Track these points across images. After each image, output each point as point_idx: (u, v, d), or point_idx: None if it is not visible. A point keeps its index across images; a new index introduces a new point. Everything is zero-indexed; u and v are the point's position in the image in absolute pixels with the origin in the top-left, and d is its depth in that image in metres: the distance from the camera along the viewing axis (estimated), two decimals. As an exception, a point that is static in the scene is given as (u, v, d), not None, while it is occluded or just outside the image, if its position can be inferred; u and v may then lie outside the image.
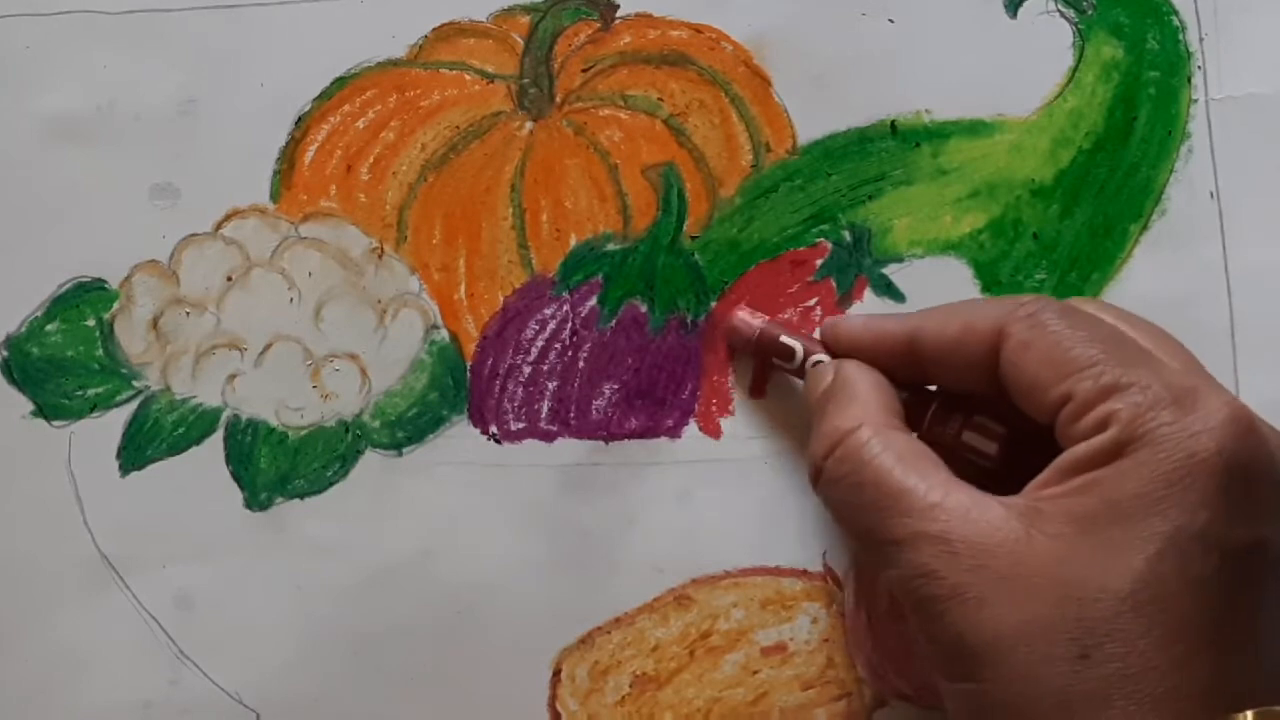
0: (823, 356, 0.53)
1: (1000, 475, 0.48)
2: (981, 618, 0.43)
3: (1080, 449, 0.45)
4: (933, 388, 0.52)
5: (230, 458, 0.56)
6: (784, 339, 0.54)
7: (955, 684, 0.45)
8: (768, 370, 0.55)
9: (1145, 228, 0.56)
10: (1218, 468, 0.43)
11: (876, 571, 0.48)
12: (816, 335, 0.54)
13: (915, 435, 0.49)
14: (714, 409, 0.56)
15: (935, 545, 0.44)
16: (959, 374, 0.49)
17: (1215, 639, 0.43)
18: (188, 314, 0.56)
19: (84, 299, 0.56)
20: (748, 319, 0.55)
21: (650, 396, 0.56)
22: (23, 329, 0.56)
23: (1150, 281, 0.56)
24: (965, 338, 0.49)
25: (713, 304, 0.56)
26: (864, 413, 0.49)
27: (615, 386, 0.56)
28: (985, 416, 0.50)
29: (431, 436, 0.56)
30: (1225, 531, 0.43)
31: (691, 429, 0.56)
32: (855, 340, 0.52)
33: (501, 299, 0.56)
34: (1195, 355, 0.48)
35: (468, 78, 0.57)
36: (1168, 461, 0.43)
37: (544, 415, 0.56)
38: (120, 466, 0.55)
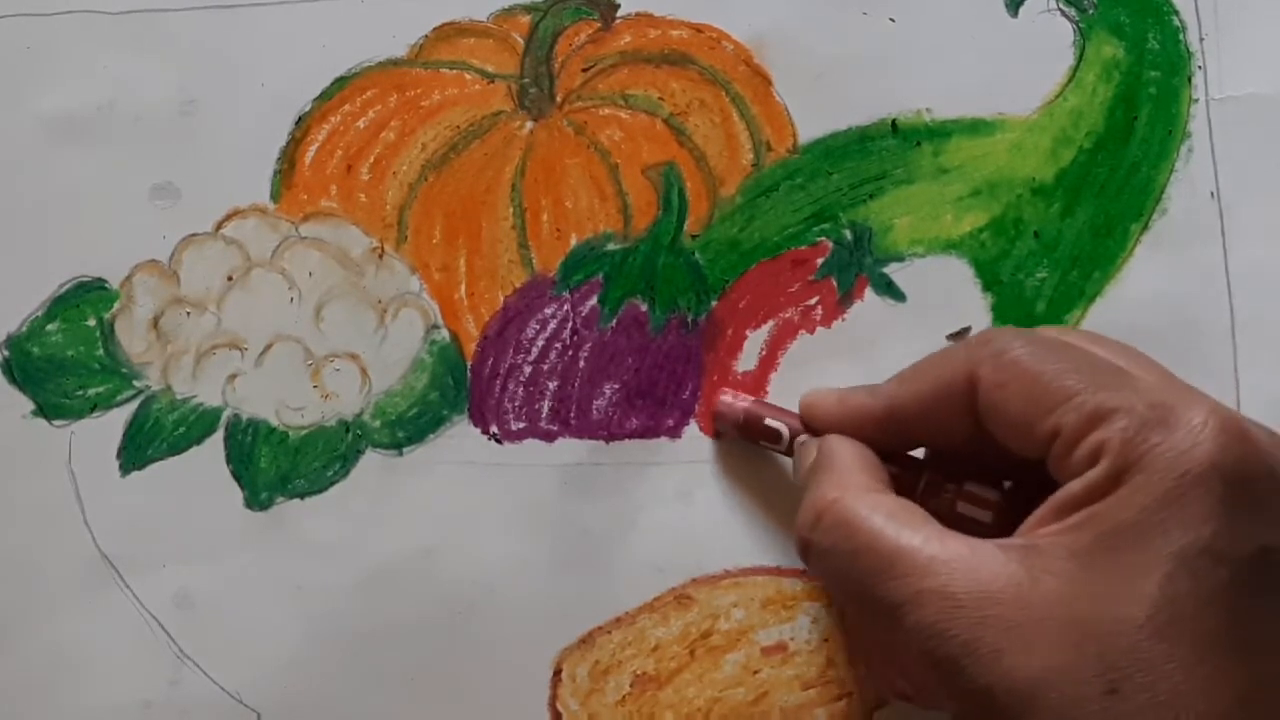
0: (808, 437, 0.52)
1: (1000, 528, 0.48)
2: (1002, 670, 0.42)
3: (1075, 485, 0.44)
4: (920, 454, 0.51)
5: (230, 457, 0.56)
6: (769, 422, 0.53)
7: None
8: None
9: (1146, 227, 0.56)
10: (1214, 480, 0.42)
11: (886, 638, 0.47)
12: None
13: (901, 497, 0.48)
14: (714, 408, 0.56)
15: (940, 601, 0.43)
16: (943, 432, 0.49)
17: (1238, 651, 0.42)
18: (188, 314, 0.56)
19: (84, 299, 0.56)
20: (731, 401, 0.55)
21: (651, 396, 0.56)
22: (23, 328, 0.56)
23: (1151, 281, 0.56)
24: (939, 395, 0.48)
25: (713, 303, 0.56)
26: (846, 480, 0.48)
27: (616, 386, 0.56)
28: (976, 483, 0.49)
29: (432, 436, 0.56)
30: (1231, 542, 0.42)
31: (692, 429, 0.56)
32: (831, 420, 0.52)
33: (502, 299, 0.56)
34: (1165, 367, 0.47)
35: (468, 77, 0.57)
36: (1164, 482, 0.42)
37: (544, 415, 0.56)
38: (120, 466, 0.55)
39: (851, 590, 0.47)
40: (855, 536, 0.46)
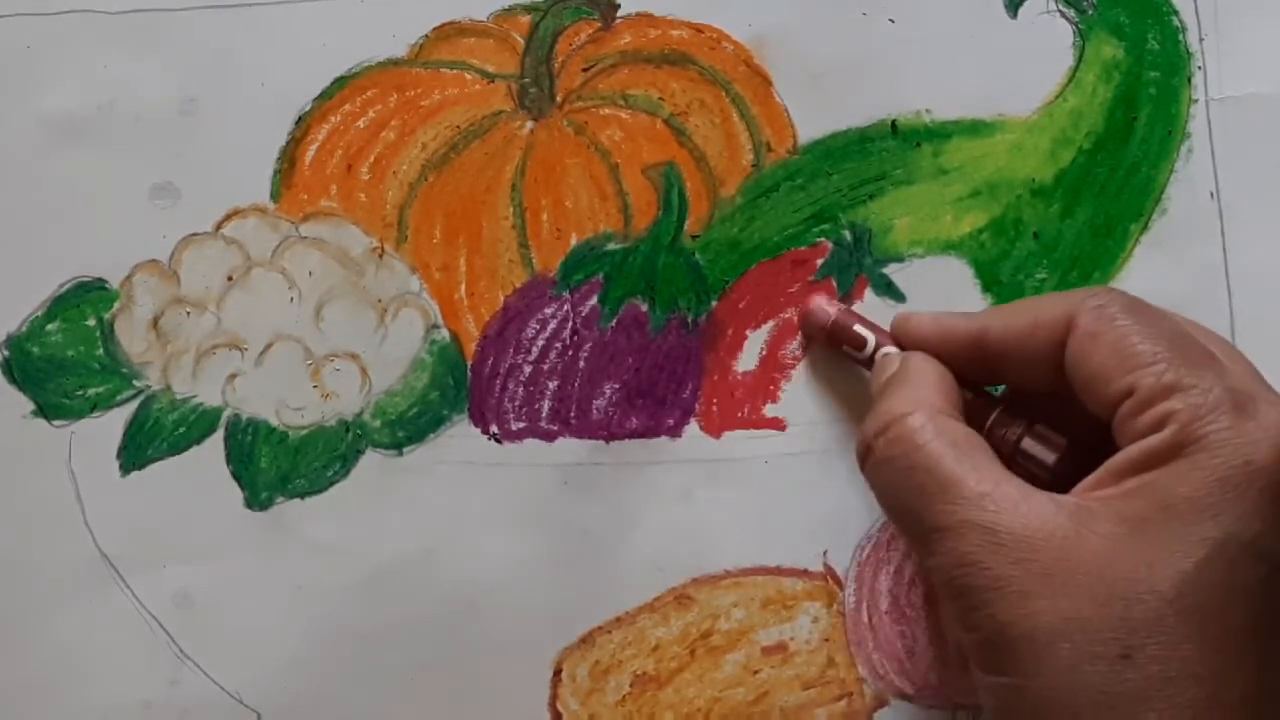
0: (892, 349, 0.53)
1: (1054, 488, 0.47)
2: (1024, 611, 0.43)
3: (1135, 449, 0.44)
4: (997, 392, 0.52)
5: (230, 457, 0.56)
6: (857, 328, 0.54)
7: (992, 677, 0.45)
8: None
9: (1145, 227, 0.56)
10: (1273, 478, 0.43)
11: (918, 558, 0.47)
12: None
13: (970, 429, 0.48)
14: (714, 408, 0.56)
15: (981, 535, 0.44)
16: (1026, 368, 0.49)
17: (1257, 650, 0.42)
18: (188, 314, 0.56)
19: (84, 299, 0.56)
20: (824, 305, 0.55)
21: (651, 396, 0.56)
22: (23, 328, 0.56)
23: (1150, 281, 0.56)
24: (1034, 330, 0.49)
25: (713, 303, 0.56)
26: (922, 398, 0.49)
27: (616, 386, 0.56)
28: (1046, 426, 0.50)
29: (432, 436, 0.56)
30: (1275, 543, 0.43)
31: (692, 429, 0.56)
32: (924, 336, 0.52)
33: (502, 298, 0.56)
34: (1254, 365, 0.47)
35: (468, 77, 0.57)
36: (1223, 467, 0.43)
37: (544, 415, 0.56)
38: (120, 466, 0.55)
39: (899, 505, 0.48)
40: (915, 454, 0.47)
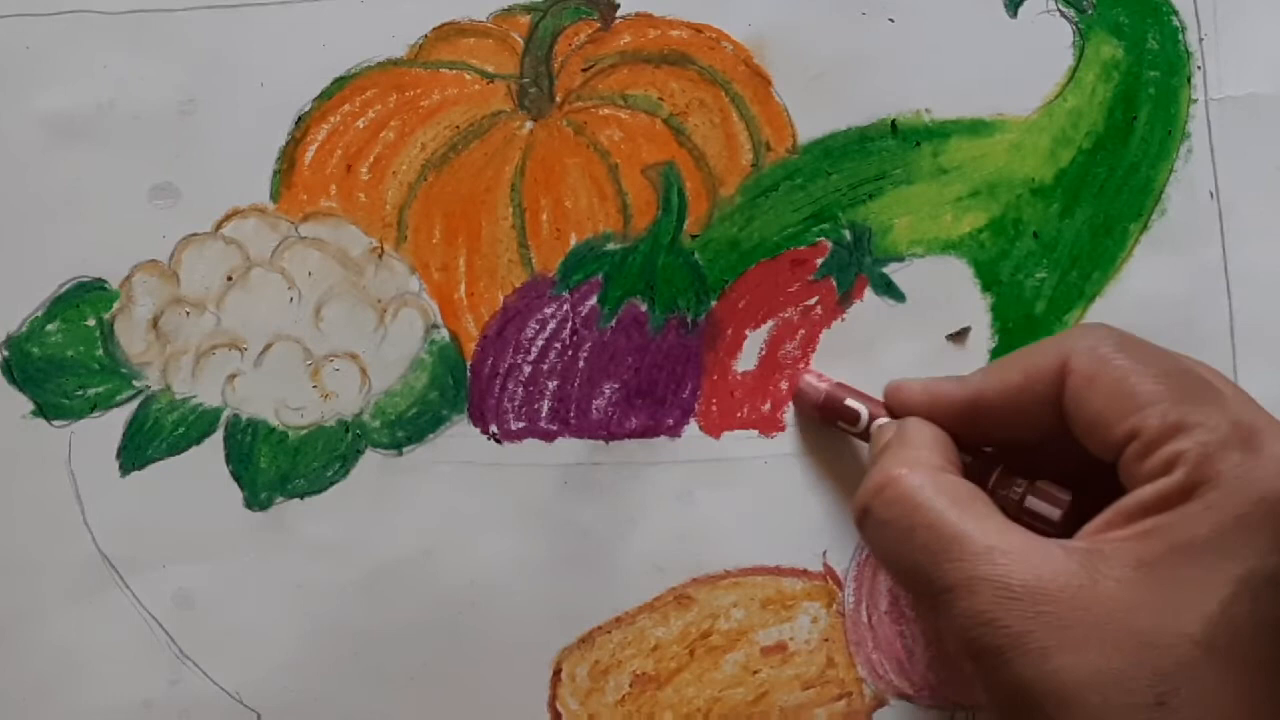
0: (887, 419, 0.52)
1: (1059, 536, 0.47)
2: (1049, 668, 0.42)
3: (1146, 491, 0.44)
4: (992, 451, 0.51)
5: (230, 457, 0.56)
6: (849, 403, 0.53)
7: None
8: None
9: (1145, 227, 0.56)
10: None
11: (930, 620, 0.47)
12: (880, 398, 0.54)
13: (969, 483, 0.48)
14: (714, 408, 0.56)
15: (994, 590, 0.43)
16: (1024, 422, 0.49)
17: None
18: (188, 314, 0.56)
19: (84, 299, 0.56)
20: (814, 382, 0.55)
21: (650, 396, 0.56)
22: (23, 328, 0.56)
23: (1150, 281, 0.56)
24: (1028, 383, 0.48)
25: (713, 303, 0.56)
26: (919, 456, 0.48)
27: (615, 386, 0.56)
28: (1049, 482, 0.49)
29: (431, 436, 0.56)
30: None
31: (692, 428, 0.56)
32: (916, 404, 0.51)
33: (501, 298, 0.56)
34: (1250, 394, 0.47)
35: (468, 77, 0.57)
36: (1238, 505, 0.42)
37: (544, 415, 0.56)
38: (120, 466, 0.55)
39: (904, 567, 0.46)
40: (916, 512, 0.46)
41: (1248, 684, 0.42)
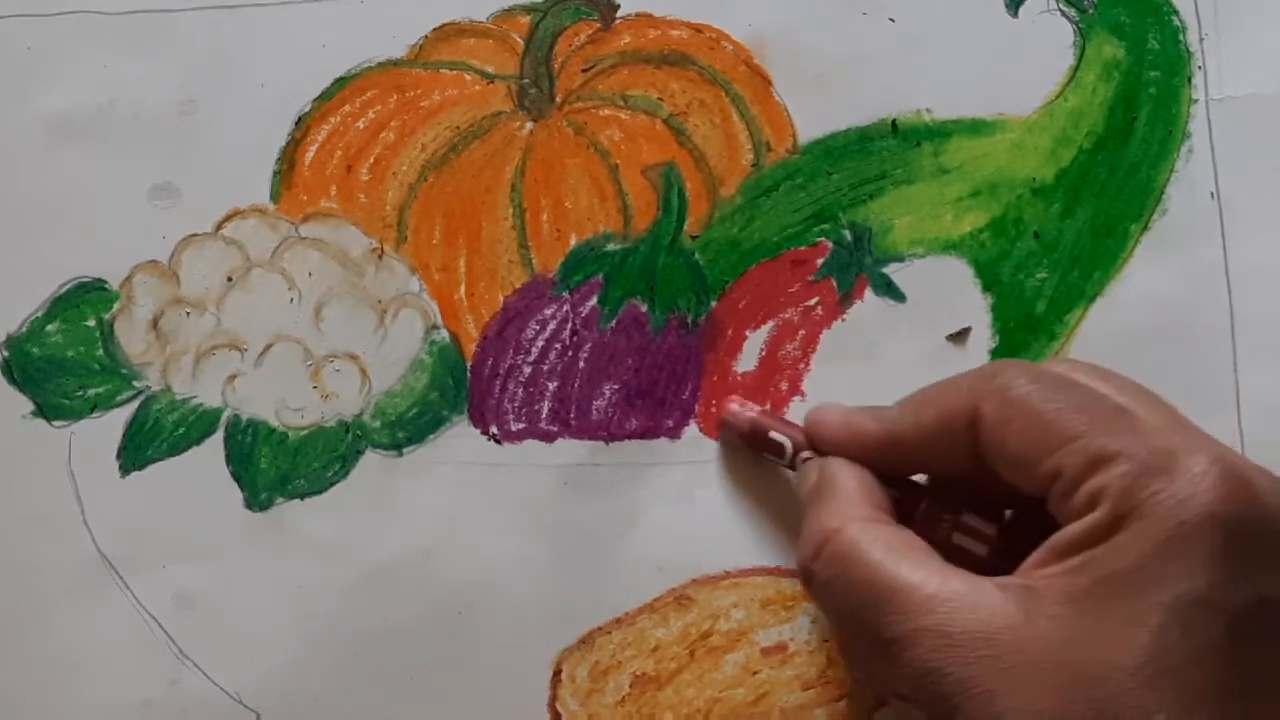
0: (810, 453, 0.52)
1: (996, 565, 0.47)
2: (994, 711, 0.42)
3: (1074, 528, 0.44)
4: (920, 479, 0.51)
5: (230, 458, 0.56)
6: (773, 435, 0.53)
7: None
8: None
9: (1146, 228, 0.56)
10: (1211, 530, 0.42)
11: (883, 672, 0.47)
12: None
13: (901, 527, 0.48)
14: (714, 409, 0.56)
15: (935, 639, 0.43)
16: (943, 462, 0.49)
17: (1233, 701, 0.42)
18: (188, 314, 0.56)
19: (84, 299, 0.56)
20: (739, 410, 0.55)
21: (650, 396, 0.56)
22: (23, 329, 0.56)
23: (1151, 281, 0.56)
24: (942, 425, 0.48)
25: (713, 304, 0.56)
26: (847, 509, 0.48)
27: (615, 386, 0.56)
28: (974, 516, 0.49)
29: (431, 436, 0.56)
30: (1226, 594, 0.42)
31: (692, 429, 0.56)
32: (834, 440, 0.51)
33: (501, 299, 0.56)
34: (1173, 406, 0.47)
35: (468, 78, 0.57)
36: (1161, 532, 0.42)
37: (544, 415, 0.56)
38: (120, 466, 0.55)
39: (850, 622, 0.47)
40: (854, 570, 0.46)
41: (1185, 711, 0.41)
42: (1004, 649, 0.43)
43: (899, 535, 0.47)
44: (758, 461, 0.55)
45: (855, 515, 0.48)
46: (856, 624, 0.46)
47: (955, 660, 0.43)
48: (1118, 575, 0.43)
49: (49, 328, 0.56)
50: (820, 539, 0.48)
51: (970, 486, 0.49)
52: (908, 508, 0.50)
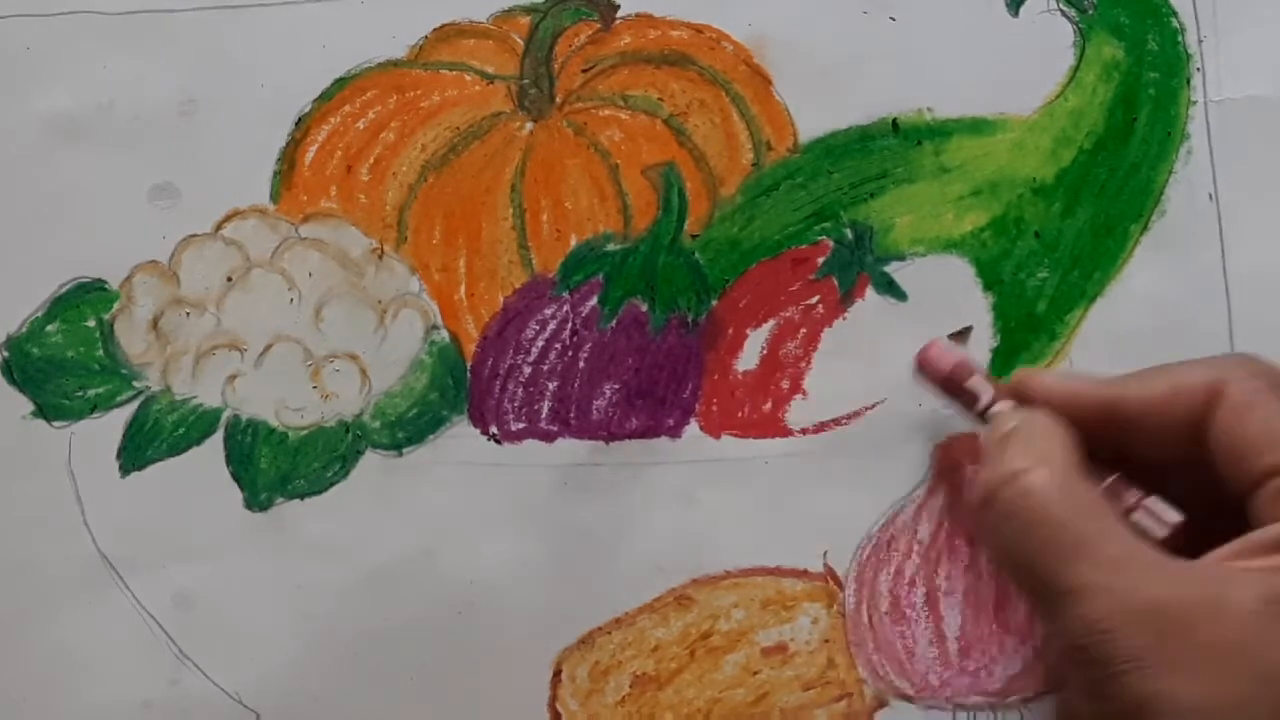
0: (1007, 404, 0.51)
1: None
2: (1165, 686, 0.41)
3: None
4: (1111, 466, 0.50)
5: (230, 458, 0.56)
6: (971, 383, 0.52)
7: None
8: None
9: (1145, 228, 0.56)
10: None
11: (1042, 621, 0.46)
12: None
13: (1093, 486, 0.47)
14: (715, 408, 0.56)
15: (1116, 601, 0.43)
16: (1159, 436, 0.48)
17: None
18: (188, 314, 0.56)
19: (84, 299, 0.56)
20: (943, 352, 0.53)
21: (651, 396, 0.56)
22: (23, 329, 0.56)
23: (1150, 281, 0.56)
24: (1173, 397, 0.47)
25: (713, 303, 0.56)
26: (1048, 454, 0.47)
27: (616, 386, 0.56)
28: (1161, 500, 0.48)
29: (431, 437, 0.56)
30: None
31: (692, 429, 0.56)
32: (1050, 397, 0.50)
33: (501, 299, 0.56)
34: None
35: (468, 78, 0.57)
36: None
37: (544, 415, 0.56)
38: (120, 467, 0.55)
39: (1023, 562, 0.45)
40: (1045, 510, 0.45)
41: None
42: (1187, 629, 0.42)
43: (1094, 493, 0.46)
44: (756, 458, 0.55)
45: (1059, 460, 0.47)
46: (1030, 565, 0.45)
47: (1134, 626, 0.42)
48: None
49: (49, 328, 0.56)
50: (1009, 473, 0.46)
51: (1156, 488, 0.49)
52: (1096, 479, 0.48)
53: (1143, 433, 0.48)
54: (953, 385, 0.53)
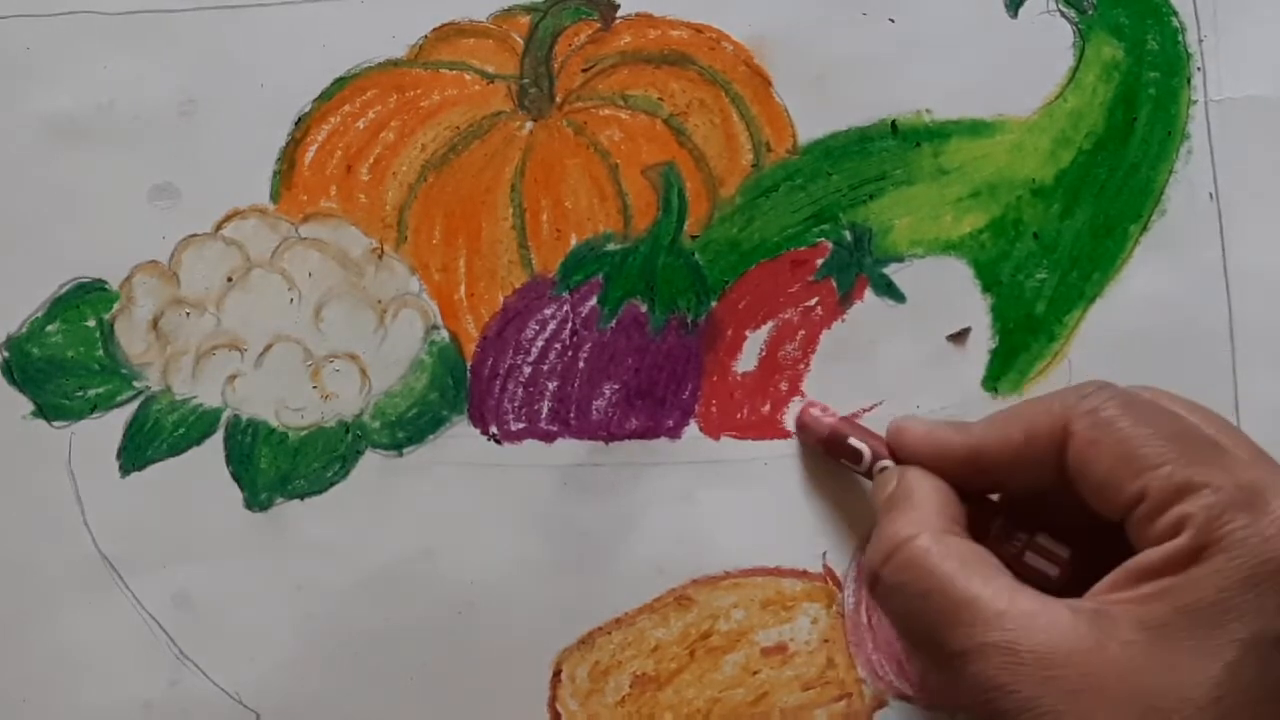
0: (888, 462, 0.52)
1: (1066, 587, 0.47)
2: None
3: (1153, 554, 0.44)
4: (995, 498, 0.51)
5: (230, 458, 0.56)
6: (852, 442, 0.53)
7: None
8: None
9: (1145, 228, 0.56)
10: None
11: (943, 684, 0.47)
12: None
13: (975, 542, 0.48)
14: (714, 409, 0.56)
15: (1002, 656, 0.43)
16: (1025, 478, 0.49)
17: None
18: (188, 314, 0.56)
19: (84, 299, 0.56)
20: (819, 416, 0.55)
21: (650, 396, 0.56)
22: (23, 329, 0.56)
23: (1150, 282, 0.56)
24: (1029, 442, 0.48)
25: (713, 304, 0.56)
26: (923, 519, 0.48)
27: (615, 386, 0.56)
28: (1048, 537, 0.49)
29: (431, 437, 0.56)
30: None
31: (692, 429, 0.56)
32: (916, 451, 0.51)
33: (501, 299, 0.56)
34: (1257, 442, 0.46)
35: (468, 78, 0.57)
36: (1243, 567, 0.42)
37: (544, 415, 0.56)
38: (120, 467, 0.55)
39: (916, 631, 0.47)
40: (926, 578, 0.46)
41: None
42: (1073, 671, 0.42)
43: (973, 550, 0.47)
44: (756, 458, 0.55)
45: (931, 525, 0.48)
46: (922, 633, 0.46)
47: (1022, 678, 0.43)
48: (1196, 607, 0.42)
49: (49, 328, 0.56)
50: (892, 545, 0.47)
51: (1045, 509, 0.49)
52: (982, 524, 0.50)
53: (1011, 476, 0.49)
54: (834, 446, 0.54)
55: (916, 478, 0.50)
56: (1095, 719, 0.42)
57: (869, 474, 0.53)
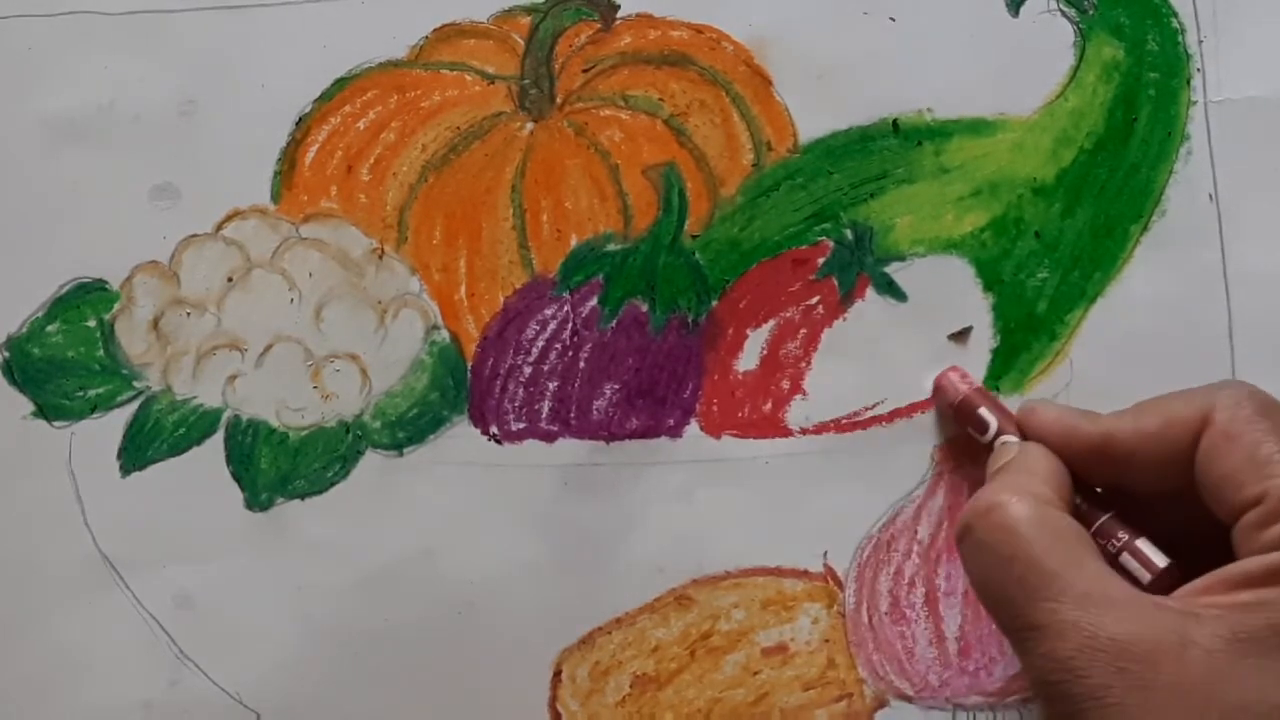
0: (1013, 437, 0.52)
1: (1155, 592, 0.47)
2: None
3: (1253, 563, 0.43)
4: (1104, 494, 0.51)
5: (231, 458, 0.56)
6: (981, 412, 0.53)
7: None
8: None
9: (1145, 228, 0.56)
10: None
11: (1014, 654, 0.46)
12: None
13: (1076, 521, 0.47)
14: (715, 408, 0.56)
15: (1081, 638, 0.43)
16: (1152, 470, 0.48)
17: None
18: (188, 314, 0.56)
19: (85, 299, 0.56)
20: (956, 382, 0.55)
21: (651, 396, 0.56)
22: (24, 329, 0.56)
23: (1150, 282, 0.56)
24: (1165, 430, 0.47)
25: (714, 303, 0.56)
26: (1030, 486, 0.47)
27: (616, 386, 0.56)
28: (1149, 543, 0.48)
29: (432, 437, 0.56)
30: None
31: (692, 429, 0.56)
32: (1046, 431, 0.50)
33: (502, 299, 0.56)
34: None
35: (468, 78, 0.57)
36: None
37: (544, 415, 0.56)
38: (121, 467, 0.55)
39: (995, 594, 0.46)
40: (1016, 542, 0.45)
41: None
42: (1151, 667, 0.42)
43: (1071, 527, 0.46)
44: (756, 458, 0.55)
45: (1036, 493, 0.47)
46: (1002, 597, 0.45)
47: (1097, 665, 0.42)
48: None
49: (49, 328, 0.56)
50: (991, 502, 0.47)
51: (1154, 520, 0.49)
52: (1088, 518, 0.49)
53: (1137, 468, 0.48)
54: (964, 412, 0.54)
55: (1036, 452, 0.50)
56: (1166, 717, 0.41)
57: (990, 446, 0.53)
